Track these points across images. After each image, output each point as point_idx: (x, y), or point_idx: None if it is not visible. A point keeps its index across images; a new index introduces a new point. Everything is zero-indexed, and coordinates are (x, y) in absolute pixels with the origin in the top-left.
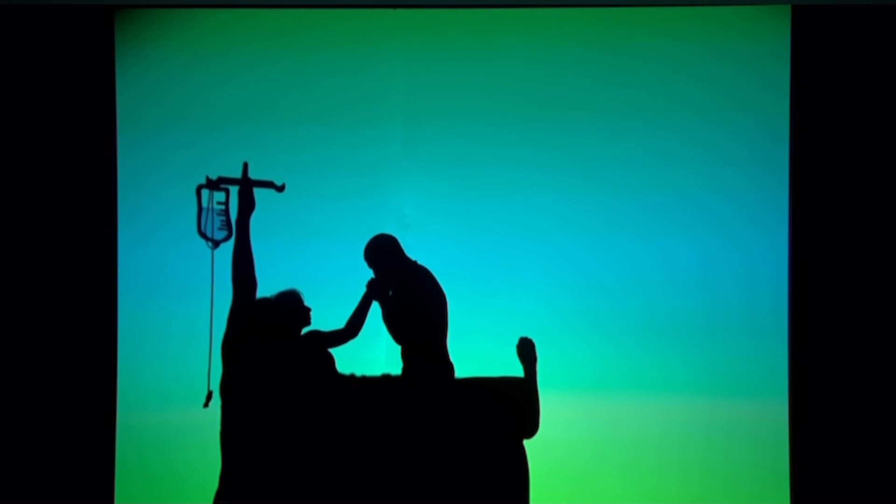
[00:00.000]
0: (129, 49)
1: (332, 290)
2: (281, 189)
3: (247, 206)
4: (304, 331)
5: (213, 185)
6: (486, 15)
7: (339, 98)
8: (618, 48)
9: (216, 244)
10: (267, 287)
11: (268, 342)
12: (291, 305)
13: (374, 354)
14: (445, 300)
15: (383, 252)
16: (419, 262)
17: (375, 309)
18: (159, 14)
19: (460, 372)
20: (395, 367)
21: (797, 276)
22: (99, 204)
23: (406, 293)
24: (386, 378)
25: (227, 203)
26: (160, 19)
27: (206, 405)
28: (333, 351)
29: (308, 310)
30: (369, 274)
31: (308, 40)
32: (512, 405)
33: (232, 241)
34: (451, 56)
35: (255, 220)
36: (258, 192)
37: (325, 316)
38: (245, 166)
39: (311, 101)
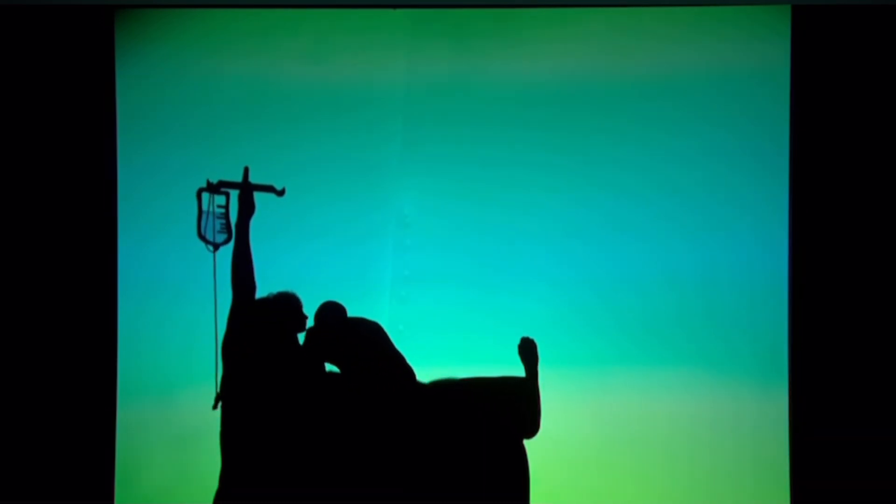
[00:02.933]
0: (129, 49)
1: (333, 291)
2: (281, 193)
3: (247, 209)
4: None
5: (214, 188)
6: (486, 15)
7: (339, 98)
8: (617, 49)
9: (216, 247)
10: (266, 289)
11: (267, 343)
12: (290, 309)
13: None
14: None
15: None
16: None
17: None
18: (159, 14)
19: (461, 372)
20: None
21: (797, 277)
22: (99, 204)
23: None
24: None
25: (227, 206)
26: (160, 19)
27: (214, 407)
28: None
29: (304, 318)
30: (370, 276)
31: (308, 40)
32: (513, 405)
33: (231, 244)
34: (451, 56)
35: (255, 222)
36: (258, 195)
37: None
38: (245, 170)
39: (310, 101)
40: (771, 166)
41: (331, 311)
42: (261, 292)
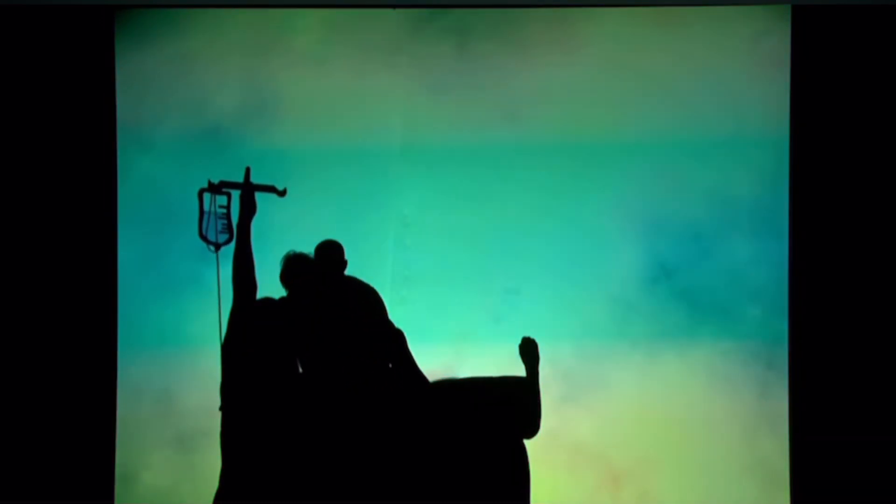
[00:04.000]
0: (129, 49)
1: None
2: (282, 194)
3: (248, 209)
4: None
5: (215, 188)
6: (486, 15)
7: (339, 98)
8: (617, 49)
9: (217, 247)
10: (267, 289)
11: (268, 343)
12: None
13: None
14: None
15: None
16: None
17: None
18: (159, 14)
19: (461, 372)
20: None
21: (797, 277)
22: (99, 204)
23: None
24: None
25: (228, 207)
26: (160, 19)
27: (222, 408)
28: None
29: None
30: (370, 276)
31: (308, 41)
32: (513, 405)
33: (233, 245)
34: (451, 56)
35: (256, 222)
36: (259, 196)
37: None
38: (247, 171)
39: (310, 101)
40: (771, 165)
41: (329, 250)
42: (262, 292)
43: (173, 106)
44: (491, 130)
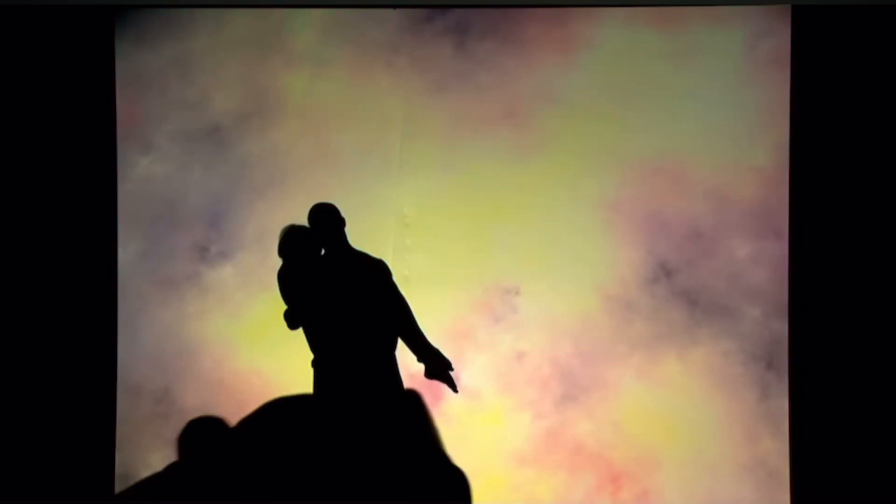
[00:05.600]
0: (129, 49)
1: None
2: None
3: None
4: None
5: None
6: (486, 15)
7: (339, 98)
8: (616, 49)
9: None
10: (269, 289)
11: None
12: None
13: None
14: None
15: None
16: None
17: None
18: (159, 14)
19: (460, 372)
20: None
21: (797, 278)
22: (99, 204)
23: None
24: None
25: None
26: (160, 19)
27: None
28: None
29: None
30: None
31: (308, 41)
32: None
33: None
34: (451, 56)
35: (256, 224)
36: (259, 196)
37: None
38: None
39: (310, 102)
40: (771, 165)
41: (319, 213)
42: (264, 293)
43: (173, 106)
44: (491, 130)
